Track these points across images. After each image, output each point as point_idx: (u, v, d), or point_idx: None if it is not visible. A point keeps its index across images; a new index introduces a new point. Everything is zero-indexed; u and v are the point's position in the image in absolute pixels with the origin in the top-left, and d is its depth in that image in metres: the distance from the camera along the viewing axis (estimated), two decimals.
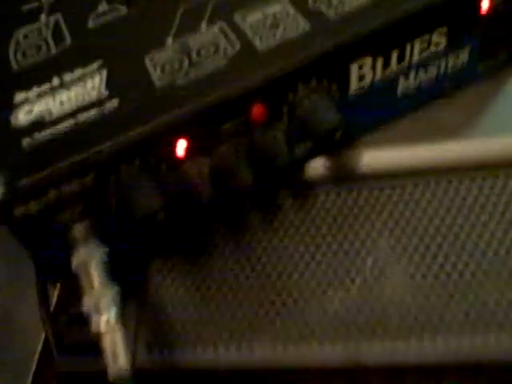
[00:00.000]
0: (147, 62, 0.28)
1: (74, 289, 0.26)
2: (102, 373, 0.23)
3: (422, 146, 0.29)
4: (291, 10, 0.28)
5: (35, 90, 0.28)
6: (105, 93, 0.27)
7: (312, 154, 0.29)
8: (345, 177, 0.29)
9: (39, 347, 0.34)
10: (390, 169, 0.29)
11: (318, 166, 0.29)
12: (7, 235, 0.25)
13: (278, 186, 0.30)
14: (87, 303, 0.25)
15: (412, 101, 0.29)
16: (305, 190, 0.30)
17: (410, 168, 0.29)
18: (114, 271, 0.26)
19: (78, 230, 0.26)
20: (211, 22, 0.29)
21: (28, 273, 0.29)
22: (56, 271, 0.27)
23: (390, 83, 0.28)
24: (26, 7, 0.33)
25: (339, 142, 0.27)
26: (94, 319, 0.24)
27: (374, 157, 0.29)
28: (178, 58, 0.27)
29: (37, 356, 0.34)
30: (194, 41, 0.28)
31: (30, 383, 0.33)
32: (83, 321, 0.25)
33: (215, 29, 0.28)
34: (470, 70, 0.30)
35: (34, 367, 0.34)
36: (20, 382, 0.33)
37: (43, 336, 0.33)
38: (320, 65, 0.26)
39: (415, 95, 0.29)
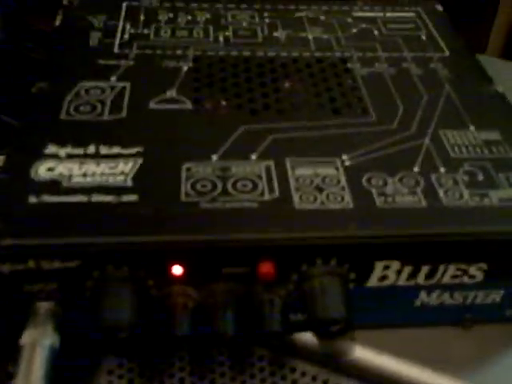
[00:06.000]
0: (183, 170, 0.27)
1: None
2: None
3: (421, 369, 0.27)
4: (342, 180, 0.27)
5: (68, 149, 0.27)
6: (129, 184, 0.26)
7: (304, 329, 0.27)
8: (328, 362, 0.27)
9: None
10: (373, 375, 0.27)
11: (304, 339, 0.27)
12: None
13: (259, 341, 0.28)
14: None
15: (426, 317, 0.27)
16: (282, 358, 0.28)
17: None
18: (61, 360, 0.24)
19: (41, 307, 0.25)
20: (262, 155, 0.28)
21: None
22: (8, 335, 0.25)
23: (410, 292, 0.26)
24: (102, 62, 0.33)
25: (335, 334, 0.25)
26: None
27: (362, 356, 0.27)
28: (213, 181, 0.26)
29: None
30: (237, 169, 0.27)
31: None
32: None
33: (262, 165, 0.27)
34: (497, 312, 0.28)
35: None
36: None
37: None
38: (346, 251, 0.25)
39: (432, 313, 0.27)
